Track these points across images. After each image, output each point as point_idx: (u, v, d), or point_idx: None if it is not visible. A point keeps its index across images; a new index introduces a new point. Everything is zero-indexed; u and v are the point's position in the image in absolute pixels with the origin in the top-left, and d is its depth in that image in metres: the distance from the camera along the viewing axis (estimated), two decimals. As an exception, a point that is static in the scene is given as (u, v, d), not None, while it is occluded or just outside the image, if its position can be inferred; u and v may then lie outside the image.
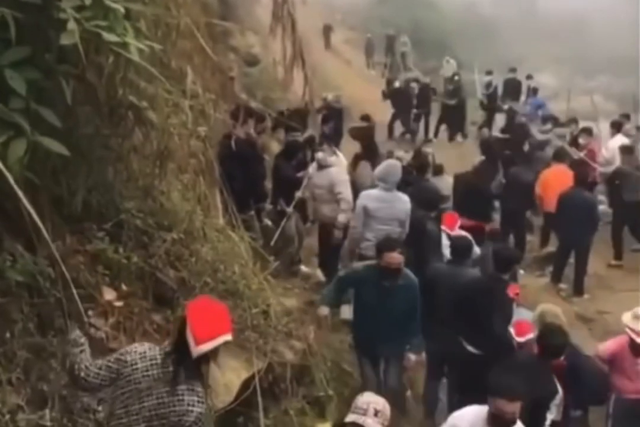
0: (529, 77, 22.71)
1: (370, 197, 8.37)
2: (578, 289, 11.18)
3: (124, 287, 4.93)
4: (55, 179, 4.43)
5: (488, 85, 21.90)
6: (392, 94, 21.25)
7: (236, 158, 8.14)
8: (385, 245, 6.54)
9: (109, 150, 4.89)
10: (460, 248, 7.61)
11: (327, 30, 30.56)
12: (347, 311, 8.53)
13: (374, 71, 30.62)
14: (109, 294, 4.79)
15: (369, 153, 12.42)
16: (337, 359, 6.92)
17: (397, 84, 21.63)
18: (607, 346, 7.20)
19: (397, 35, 31.36)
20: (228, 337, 3.73)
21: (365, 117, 15.72)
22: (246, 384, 5.36)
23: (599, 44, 40.65)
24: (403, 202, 8.36)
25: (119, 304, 4.80)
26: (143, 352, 3.73)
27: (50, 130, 3.67)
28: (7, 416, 3.74)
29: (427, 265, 7.96)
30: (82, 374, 3.70)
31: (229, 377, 5.26)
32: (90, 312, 4.52)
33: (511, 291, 7.90)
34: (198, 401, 3.69)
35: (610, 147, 13.29)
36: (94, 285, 4.70)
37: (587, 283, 11.28)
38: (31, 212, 3.38)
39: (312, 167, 9.38)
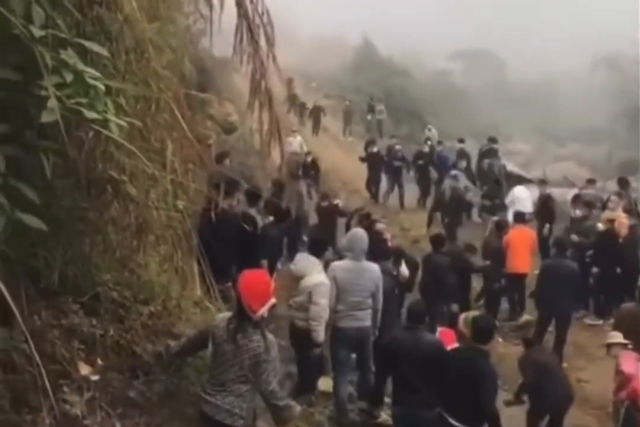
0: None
1: (338, 267, 8.34)
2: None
3: (99, 361, 4.85)
4: (31, 252, 4.40)
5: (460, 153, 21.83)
6: (368, 158, 21.56)
7: (216, 229, 8.13)
8: None
9: (87, 223, 4.88)
10: (416, 312, 7.57)
11: (317, 112, 29.11)
12: (325, 383, 8.48)
13: (351, 138, 30.95)
14: (84, 369, 4.71)
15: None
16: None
17: (374, 149, 21.85)
18: (630, 363, 8.04)
19: (375, 103, 31.90)
20: (273, 300, 5.21)
21: (325, 196, 15.95)
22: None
23: (570, 112, 41.48)
24: (372, 271, 8.31)
25: (95, 378, 4.72)
26: (222, 317, 5.31)
27: (28, 205, 3.66)
28: None
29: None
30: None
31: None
32: (65, 389, 4.46)
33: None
34: (259, 342, 5.08)
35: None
36: (69, 360, 4.62)
37: (565, 351, 11.29)
38: (2, 288, 3.33)
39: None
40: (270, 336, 5.25)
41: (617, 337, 8.59)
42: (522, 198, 16.30)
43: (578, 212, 13.86)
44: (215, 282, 6.72)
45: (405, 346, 7.29)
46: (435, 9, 43.02)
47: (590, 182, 16.25)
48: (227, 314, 5.31)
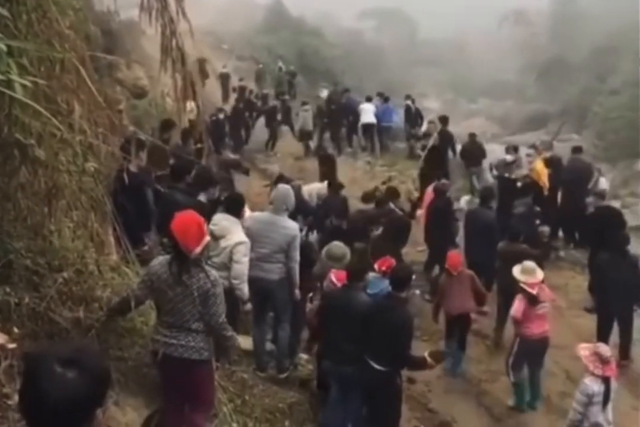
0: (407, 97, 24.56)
1: (252, 218, 8.47)
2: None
3: (15, 329, 4.77)
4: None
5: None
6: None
7: (129, 192, 8.02)
8: None
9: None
10: (353, 272, 7.68)
11: (201, 63, 30.43)
12: (246, 341, 8.54)
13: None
14: (0, 338, 4.63)
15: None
16: (240, 392, 6.87)
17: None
18: (517, 308, 9.16)
19: (285, 64, 31.78)
20: (207, 238, 5.43)
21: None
22: (148, 421, 5.26)
23: (480, 68, 42.11)
24: (286, 228, 8.31)
25: (12, 346, 4.64)
26: (159, 263, 5.47)
27: None
28: None
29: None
30: (134, 299, 5.43)
31: (130, 416, 5.15)
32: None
33: (383, 264, 8.38)
34: (204, 279, 5.31)
35: None
36: (-16, 330, 4.53)
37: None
38: None
39: None
40: (213, 272, 5.48)
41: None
42: (368, 110, 22.59)
43: (509, 157, 15.19)
44: (132, 247, 6.64)
45: (338, 305, 7.43)
46: (344, -33, 42.94)
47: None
48: (159, 261, 5.54)
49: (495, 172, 15.53)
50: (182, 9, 5.37)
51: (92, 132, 5.35)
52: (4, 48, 3.76)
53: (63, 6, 5.41)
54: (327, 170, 17.05)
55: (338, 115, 23.68)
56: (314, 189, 13.83)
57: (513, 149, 15.50)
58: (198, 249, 5.28)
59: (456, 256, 10.42)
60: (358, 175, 20.71)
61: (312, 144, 23.25)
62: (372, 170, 21.53)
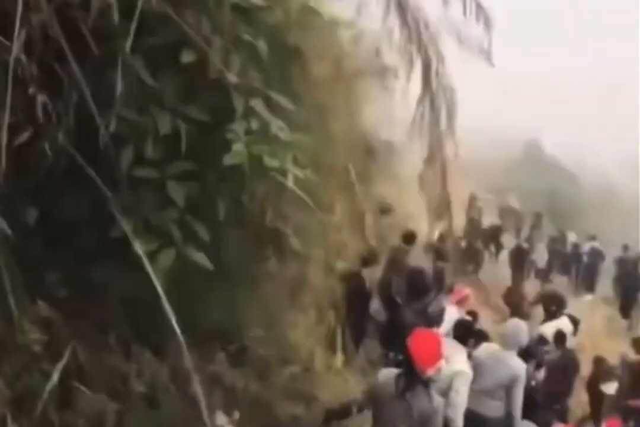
0: None
1: (482, 349, 8.00)
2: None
3: (237, 414, 4.81)
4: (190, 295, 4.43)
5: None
6: None
7: (357, 300, 8.05)
8: None
9: (246, 272, 4.91)
10: None
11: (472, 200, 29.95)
12: None
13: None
14: (221, 419, 4.68)
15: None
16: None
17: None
18: None
19: (531, 204, 31.47)
20: (443, 362, 5.17)
21: None
22: None
23: None
24: (510, 367, 7.62)
25: (229, 427, 4.68)
26: (386, 375, 5.22)
27: (197, 246, 3.69)
28: None
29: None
30: (356, 405, 5.33)
31: None
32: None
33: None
34: (428, 403, 5.07)
35: None
36: (208, 406, 4.57)
37: None
38: (173, 323, 3.36)
39: None
40: (437, 398, 5.22)
41: None
42: None
43: None
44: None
45: None
46: None
47: None
48: (388, 372, 5.31)
49: None
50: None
51: (346, 233, 5.46)
52: (284, 138, 3.94)
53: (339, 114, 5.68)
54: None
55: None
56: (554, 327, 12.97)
57: None
58: (431, 371, 5.08)
59: None
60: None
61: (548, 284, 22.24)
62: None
